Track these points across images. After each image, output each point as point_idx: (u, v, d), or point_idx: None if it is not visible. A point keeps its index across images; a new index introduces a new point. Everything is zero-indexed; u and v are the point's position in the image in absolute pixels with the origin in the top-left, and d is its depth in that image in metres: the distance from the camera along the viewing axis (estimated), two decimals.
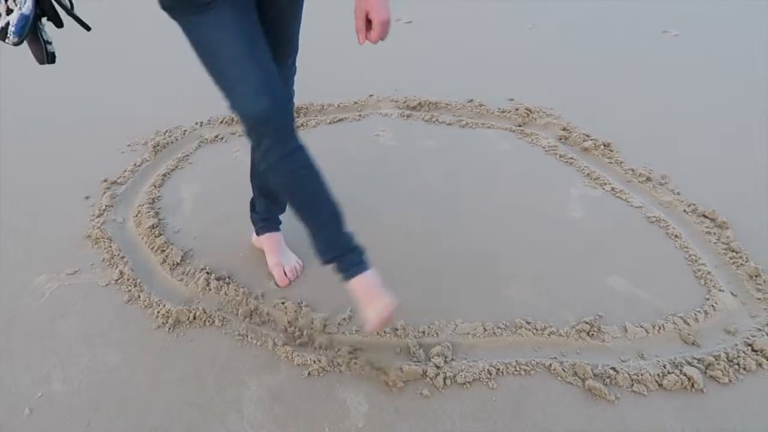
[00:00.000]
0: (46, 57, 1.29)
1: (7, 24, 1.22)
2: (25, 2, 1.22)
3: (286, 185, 1.37)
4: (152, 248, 1.94)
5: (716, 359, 1.51)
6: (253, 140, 1.32)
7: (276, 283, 1.81)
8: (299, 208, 1.41)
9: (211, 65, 1.27)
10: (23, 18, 1.21)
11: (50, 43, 1.29)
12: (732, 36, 3.94)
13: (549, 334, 1.61)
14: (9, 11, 1.23)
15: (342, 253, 1.42)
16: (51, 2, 1.25)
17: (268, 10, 1.37)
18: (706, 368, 1.50)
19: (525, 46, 3.74)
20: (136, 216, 2.10)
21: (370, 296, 1.40)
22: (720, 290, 1.75)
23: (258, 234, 1.90)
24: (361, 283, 1.41)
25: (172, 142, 2.57)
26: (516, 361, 1.52)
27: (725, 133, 2.65)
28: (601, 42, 3.86)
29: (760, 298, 1.72)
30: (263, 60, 1.27)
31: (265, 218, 1.87)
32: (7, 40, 1.23)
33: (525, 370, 1.50)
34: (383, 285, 1.41)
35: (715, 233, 1.99)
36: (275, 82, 1.28)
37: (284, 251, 1.87)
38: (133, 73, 3.38)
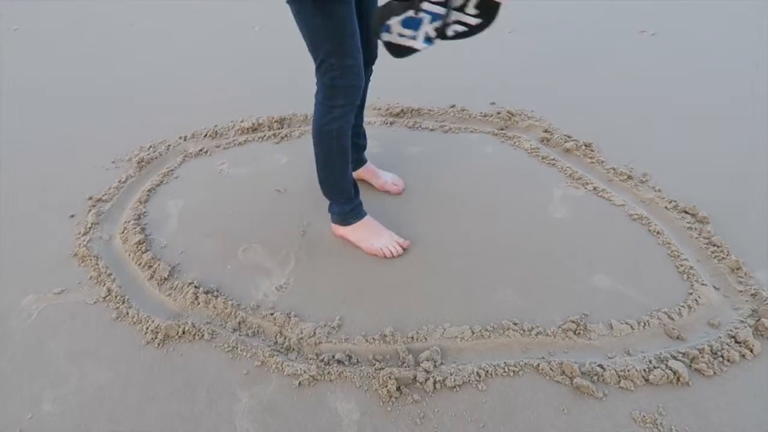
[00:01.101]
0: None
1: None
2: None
3: (345, 141, 1.83)
4: (139, 264, 1.94)
5: (701, 352, 1.54)
6: (339, 103, 1.74)
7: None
8: (345, 161, 1.88)
9: (338, 46, 1.63)
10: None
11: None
12: (707, 35, 4.00)
13: (536, 335, 1.63)
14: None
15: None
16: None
17: (362, 7, 1.77)
18: (691, 362, 1.52)
19: (505, 51, 3.78)
20: (123, 233, 2.10)
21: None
22: (703, 284, 1.78)
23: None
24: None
25: (156, 158, 2.56)
26: (504, 362, 1.54)
27: (702, 130, 2.70)
28: (579, 44, 3.91)
29: (741, 291, 1.75)
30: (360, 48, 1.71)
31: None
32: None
33: (513, 371, 1.52)
34: None
35: (696, 228, 2.02)
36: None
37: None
38: (113, 89, 3.37)
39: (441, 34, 1.59)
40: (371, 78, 2.06)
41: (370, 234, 2.00)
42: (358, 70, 1.70)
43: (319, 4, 1.56)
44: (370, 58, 1.96)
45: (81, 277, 1.90)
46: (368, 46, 1.87)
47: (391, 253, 1.95)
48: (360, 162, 2.30)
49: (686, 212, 2.09)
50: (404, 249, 1.97)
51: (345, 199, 1.98)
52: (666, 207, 2.13)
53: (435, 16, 1.55)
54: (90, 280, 1.89)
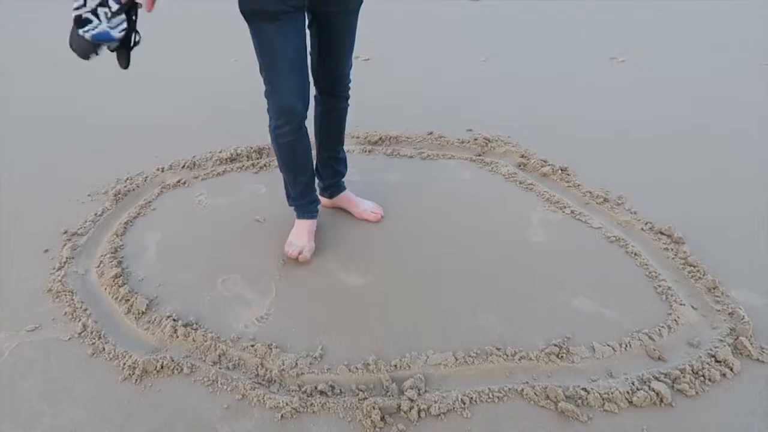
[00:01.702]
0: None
1: (88, 20, 1.48)
2: (117, 25, 1.51)
3: (289, 154, 1.97)
4: (116, 298, 1.90)
5: (682, 372, 1.55)
6: (275, 121, 1.87)
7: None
8: (293, 170, 2.04)
9: (268, 65, 1.75)
10: (106, 35, 1.50)
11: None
12: (675, 60, 4.14)
13: (520, 359, 1.62)
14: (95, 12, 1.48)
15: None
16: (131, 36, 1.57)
17: (323, 26, 1.84)
18: (673, 382, 1.53)
19: (480, 78, 3.86)
20: (99, 266, 2.06)
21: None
22: (681, 304, 1.80)
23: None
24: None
25: (133, 190, 2.54)
26: (489, 388, 1.53)
27: (675, 151, 2.77)
28: (552, 70, 4.02)
29: (719, 310, 1.78)
30: (304, 70, 1.79)
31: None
32: (82, 32, 1.48)
33: (498, 397, 1.51)
34: None
35: (672, 249, 2.05)
36: (307, 90, 1.83)
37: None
38: (89, 118, 3.34)
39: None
40: (347, 108, 2.10)
41: (296, 232, 2.14)
42: (288, 92, 1.79)
43: (250, 19, 1.70)
44: (335, 87, 2.03)
45: (55, 313, 1.85)
46: (331, 75, 1.98)
47: (293, 255, 2.05)
48: (338, 189, 2.31)
49: (662, 233, 2.13)
50: (301, 261, 2.06)
51: (292, 198, 2.15)
52: (642, 228, 2.17)
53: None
54: (65, 315, 1.84)
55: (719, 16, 5.64)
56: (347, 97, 2.10)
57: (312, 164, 2.11)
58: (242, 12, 1.68)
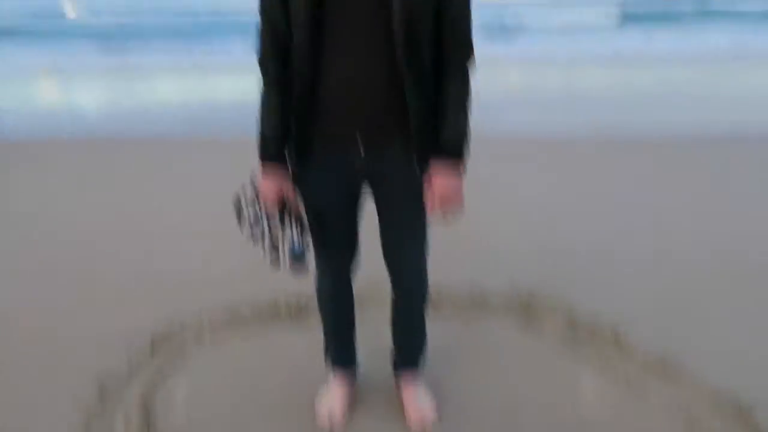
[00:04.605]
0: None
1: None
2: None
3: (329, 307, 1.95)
4: None
5: None
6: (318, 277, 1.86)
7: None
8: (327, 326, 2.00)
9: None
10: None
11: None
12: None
13: None
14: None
15: None
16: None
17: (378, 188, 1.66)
18: None
19: (519, 231, 3.79)
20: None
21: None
22: None
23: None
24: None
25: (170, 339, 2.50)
26: None
27: (751, 319, 2.58)
28: (592, 226, 3.93)
29: None
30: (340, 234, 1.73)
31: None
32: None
33: None
34: None
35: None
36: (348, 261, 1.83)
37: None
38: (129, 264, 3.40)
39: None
40: (412, 309, 1.95)
41: (329, 390, 2.02)
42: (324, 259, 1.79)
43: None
44: (393, 276, 1.83)
45: None
46: (388, 261, 1.79)
47: (324, 419, 1.94)
48: (397, 371, 2.07)
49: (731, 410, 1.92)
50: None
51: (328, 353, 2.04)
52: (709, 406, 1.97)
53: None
54: None
55: None
56: (412, 295, 1.87)
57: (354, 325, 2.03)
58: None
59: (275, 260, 1.64)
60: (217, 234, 3.80)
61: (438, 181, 1.49)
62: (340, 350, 2.04)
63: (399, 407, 2.02)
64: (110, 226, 3.98)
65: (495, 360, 2.35)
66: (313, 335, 2.48)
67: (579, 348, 2.35)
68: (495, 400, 2.08)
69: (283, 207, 1.59)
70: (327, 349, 2.06)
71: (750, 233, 3.57)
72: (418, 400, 1.99)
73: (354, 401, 2.04)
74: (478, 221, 3.30)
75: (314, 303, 1.97)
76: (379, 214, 1.69)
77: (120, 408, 2.08)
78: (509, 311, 2.71)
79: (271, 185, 1.56)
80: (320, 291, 1.91)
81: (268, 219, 1.60)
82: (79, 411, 2.04)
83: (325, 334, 2.04)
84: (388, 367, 2.09)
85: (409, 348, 2.02)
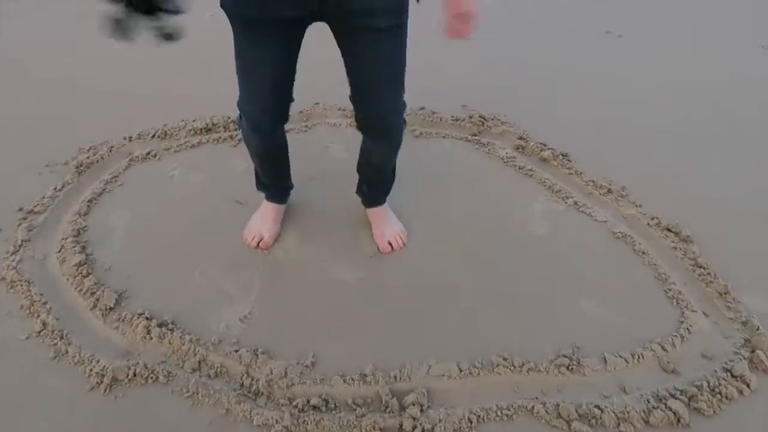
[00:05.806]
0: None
1: None
2: None
3: (259, 158, 1.80)
4: (80, 291, 1.69)
5: (699, 390, 1.46)
6: (243, 121, 1.66)
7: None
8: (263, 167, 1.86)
9: (240, 71, 1.53)
10: None
11: None
12: (673, 40, 3.99)
13: (528, 371, 1.51)
14: None
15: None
16: None
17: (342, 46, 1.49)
18: (690, 400, 1.44)
19: (474, 55, 3.62)
20: (59, 252, 1.83)
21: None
22: (693, 311, 1.71)
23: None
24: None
25: (97, 161, 2.28)
26: (496, 405, 1.42)
27: (681, 143, 2.63)
28: (545, 49, 3.80)
29: (731, 318, 1.70)
30: (282, 92, 1.57)
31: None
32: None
33: (507, 415, 1.40)
34: None
35: (680, 248, 1.95)
36: (284, 109, 1.62)
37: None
38: (48, 83, 3.00)
39: None
40: (385, 154, 1.82)
41: (258, 215, 1.96)
42: (259, 110, 1.58)
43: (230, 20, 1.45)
44: (367, 124, 1.70)
45: (10, 307, 1.64)
46: (362, 110, 1.65)
47: (250, 242, 1.90)
48: (365, 202, 2.02)
49: (669, 230, 2.02)
50: (261, 248, 1.89)
51: (261, 183, 1.96)
52: (648, 224, 2.06)
53: None
54: (21, 310, 1.63)
55: None
56: (389, 140, 1.72)
57: (288, 163, 1.92)
58: (222, 7, 1.43)
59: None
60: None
61: None
62: (268, 184, 1.95)
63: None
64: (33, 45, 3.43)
65: (446, 176, 2.31)
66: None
67: (529, 170, 2.34)
68: (449, 215, 2.08)
69: None
70: (256, 175, 1.94)
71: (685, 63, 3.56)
72: (386, 224, 1.96)
73: (285, 221, 2.00)
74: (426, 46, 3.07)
75: None
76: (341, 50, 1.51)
77: (52, 239, 1.92)
78: (461, 130, 2.63)
79: None
80: (246, 140, 1.76)
81: None
82: (7, 243, 1.87)
83: (255, 167, 1.91)
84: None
85: (378, 190, 1.97)
